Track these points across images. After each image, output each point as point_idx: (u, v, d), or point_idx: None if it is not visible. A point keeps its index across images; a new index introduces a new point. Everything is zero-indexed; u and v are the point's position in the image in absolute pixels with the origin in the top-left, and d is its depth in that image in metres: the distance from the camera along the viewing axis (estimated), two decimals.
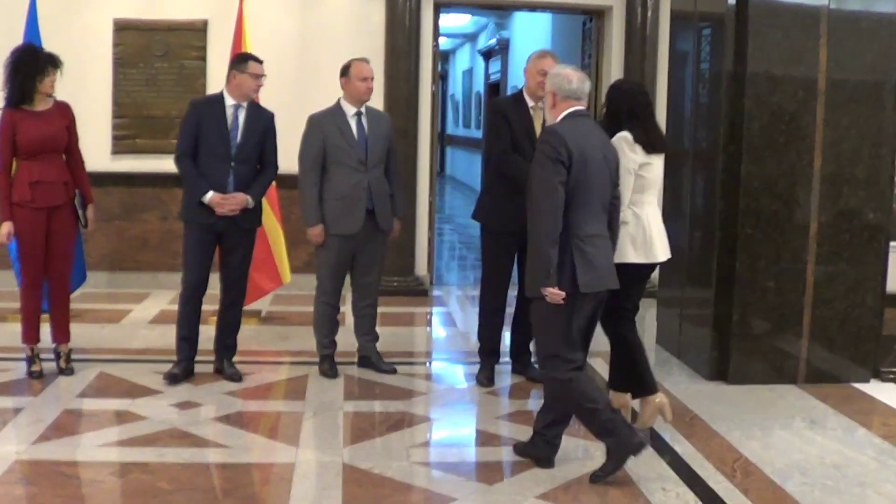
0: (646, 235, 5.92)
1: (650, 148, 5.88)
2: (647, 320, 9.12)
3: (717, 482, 5.25)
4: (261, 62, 7.00)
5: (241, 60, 6.98)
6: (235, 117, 6.88)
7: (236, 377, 7.03)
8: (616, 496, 5.11)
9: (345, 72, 7.08)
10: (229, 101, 6.89)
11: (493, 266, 7.14)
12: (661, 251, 6.03)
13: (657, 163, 5.98)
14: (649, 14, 10.33)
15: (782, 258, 7.02)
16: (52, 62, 6.79)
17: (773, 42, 6.95)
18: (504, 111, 7.00)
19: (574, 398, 5.33)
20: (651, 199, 6.01)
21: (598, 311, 5.48)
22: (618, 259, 5.63)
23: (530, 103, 6.94)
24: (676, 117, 8.19)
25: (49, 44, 7.46)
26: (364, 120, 7.04)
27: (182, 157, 6.86)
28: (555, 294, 5.12)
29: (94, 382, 6.91)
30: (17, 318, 7.24)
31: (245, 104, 6.92)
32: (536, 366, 6.46)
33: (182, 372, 7.02)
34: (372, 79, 7.08)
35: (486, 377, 7.13)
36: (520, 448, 5.63)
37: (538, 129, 6.79)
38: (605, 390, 6.31)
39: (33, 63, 6.74)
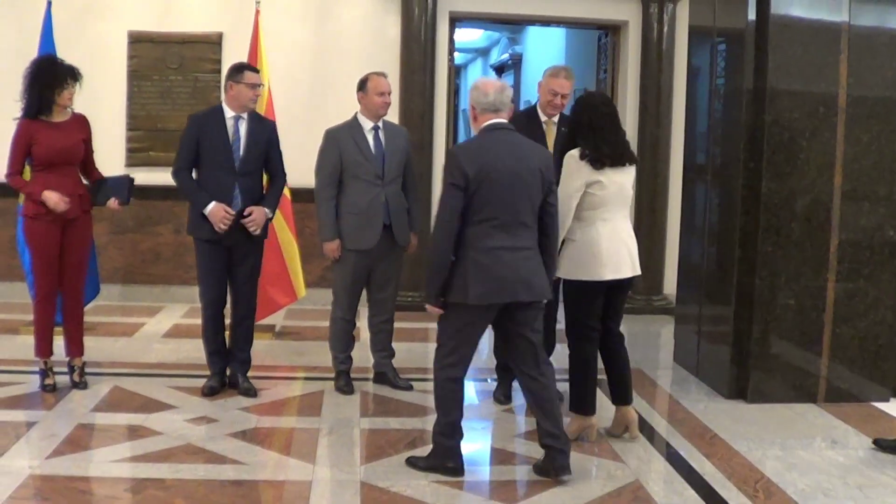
0: (593, 254, 5.91)
1: (599, 164, 5.84)
2: (664, 337, 9.09)
3: (740, 503, 5.19)
4: (257, 71, 6.95)
5: (236, 70, 6.89)
6: (237, 129, 6.83)
7: (251, 392, 6.98)
8: None
9: (362, 86, 7.03)
10: (229, 114, 6.85)
11: None
12: (610, 270, 5.95)
13: (617, 177, 5.93)
14: (665, 29, 10.30)
15: (802, 275, 6.96)
16: (72, 74, 6.76)
17: (794, 58, 6.90)
18: (517, 125, 6.97)
19: (440, 397, 5.57)
20: (606, 215, 5.95)
21: (518, 321, 5.46)
22: (564, 275, 5.94)
23: (543, 118, 6.94)
24: (692, 132, 8.16)
25: (63, 55, 7.40)
26: (381, 134, 7.00)
27: (179, 172, 6.85)
28: (433, 310, 5.42)
29: (107, 396, 6.87)
30: (31, 331, 7.21)
31: (245, 115, 6.86)
32: None
33: (219, 384, 7.04)
34: (389, 93, 7.04)
35: (503, 394, 7.08)
36: (538, 467, 5.59)
37: (551, 145, 6.80)
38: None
39: (52, 75, 6.71)
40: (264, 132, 6.94)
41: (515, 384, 7.05)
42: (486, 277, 5.27)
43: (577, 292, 6.02)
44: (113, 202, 6.88)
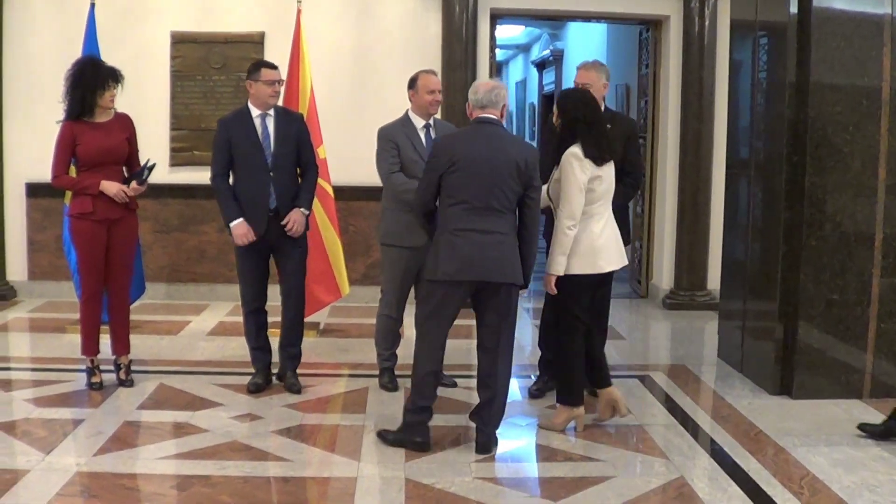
0: (592, 247, 6.12)
1: (600, 160, 6.05)
2: (708, 333, 9.04)
3: (785, 500, 5.16)
4: (275, 68, 6.96)
5: (253, 69, 6.93)
6: (264, 127, 6.87)
7: (295, 388, 7.03)
8: None
9: (412, 84, 7.01)
10: (255, 112, 6.88)
11: None
12: (607, 262, 6.21)
13: (607, 173, 6.15)
14: (707, 23, 10.23)
15: (847, 270, 6.91)
16: (114, 76, 6.82)
17: (836, 51, 6.85)
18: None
19: (418, 382, 5.92)
20: (601, 209, 6.18)
21: (498, 304, 5.81)
22: (568, 271, 6.08)
23: None
24: (735, 127, 8.11)
25: (107, 57, 7.49)
26: (433, 133, 6.97)
27: (216, 178, 6.91)
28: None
29: (153, 394, 6.93)
30: (76, 330, 7.30)
31: (272, 112, 6.90)
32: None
33: (263, 381, 7.10)
34: (439, 91, 7.01)
35: (536, 388, 7.16)
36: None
37: None
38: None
39: (94, 77, 6.77)
40: (292, 126, 6.97)
41: None
42: (456, 256, 5.67)
43: (573, 286, 6.15)
44: (133, 185, 6.91)
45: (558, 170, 6.10)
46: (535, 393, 7.13)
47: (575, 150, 6.02)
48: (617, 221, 6.64)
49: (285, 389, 7.03)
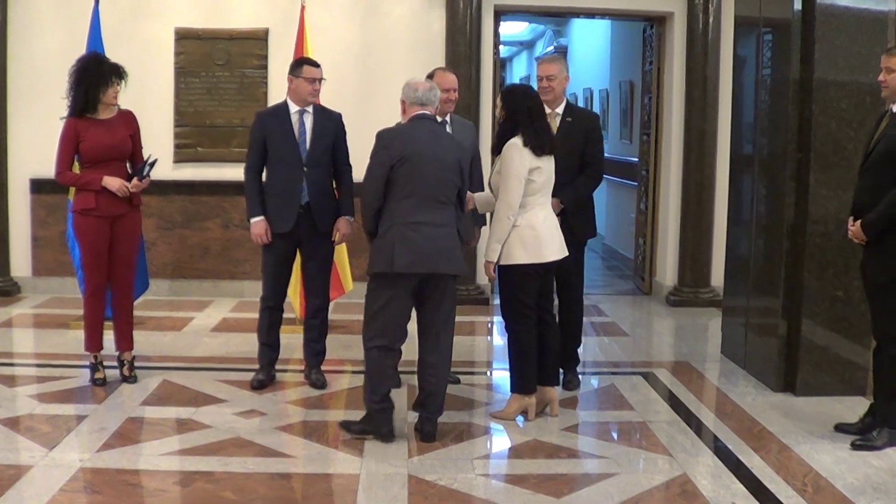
0: (536, 237, 6.21)
1: (540, 151, 6.18)
2: (712, 329, 9.04)
3: (788, 497, 5.15)
4: (317, 66, 6.97)
5: (296, 65, 7.00)
6: (301, 123, 6.89)
7: (319, 383, 7.09)
8: None
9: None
10: (293, 108, 6.91)
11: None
12: (551, 251, 6.30)
13: (547, 165, 6.25)
14: (711, 20, 10.21)
15: (851, 267, 6.88)
16: (117, 73, 6.82)
17: (840, 48, 6.84)
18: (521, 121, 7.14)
19: (372, 369, 5.96)
20: (542, 200, 6.29)
21: (436, 294, 5.97)
22: (507, 260, 6.21)
23: (548, 111, 6.98)
24: (738, 123, 8.10)
25: (111, 53, 7.50)
26: (448, 130, 6.95)
27: (248, 171, 6.97)
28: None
29: (157, 390, 6.94)
30: (80, 326, 7.30)
31: (310, 109, 6.91)
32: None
33: (266, 377, 7.11)
34: (454, 90, 7.02)
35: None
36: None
37: None
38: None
39: (98, 73, 6.77)
40: (331, 124, 7.00)
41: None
42: (411, 248, 5.77)
43: (519, 276, 6.26)
44: (135, 181, 6.90)
45: (500, 160, 6.22)
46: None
47: (516, 141, 6.14)
48: (582, 213, 7.01)
49: (310, 385, 7.06)
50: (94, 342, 7.03)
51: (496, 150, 6.31)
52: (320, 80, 6.97)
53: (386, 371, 5.97)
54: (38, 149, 9.73)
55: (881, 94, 6.06)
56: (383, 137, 5.92)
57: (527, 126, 6.16)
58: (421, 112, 6.00)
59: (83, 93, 6.76)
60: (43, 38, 9.99)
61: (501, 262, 6.22)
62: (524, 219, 6.17)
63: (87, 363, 7.09)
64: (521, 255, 6.19)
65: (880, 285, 5.95)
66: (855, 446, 5.95)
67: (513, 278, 6.28)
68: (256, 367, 7.13)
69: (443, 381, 6.09)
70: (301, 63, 6.99)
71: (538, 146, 6.15)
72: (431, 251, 5.81)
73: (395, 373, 6.15)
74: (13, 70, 10.04)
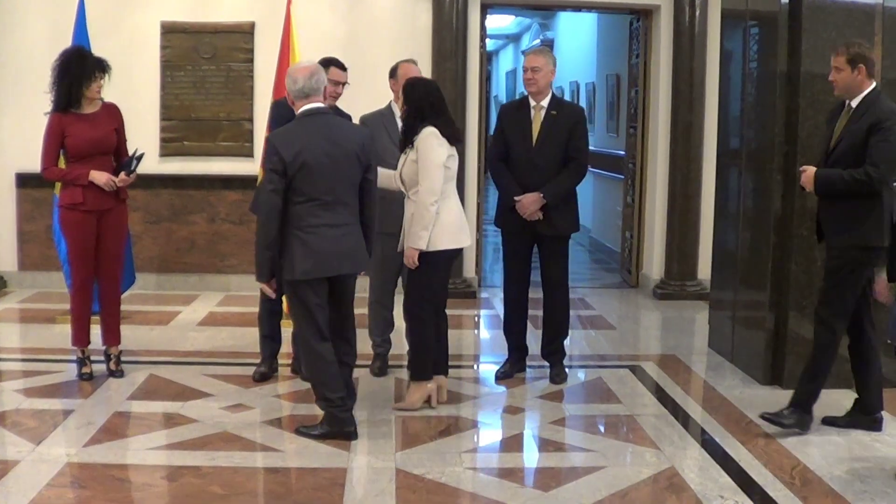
0: (454, 222, 6.36)
1: (453, 140, 6.31)
2: (699, 323, 9.05)
3: (776, 490, 5.16)
4: (344, 69, 6.95)
5: (323, 64, 6.91)
6: None
7: None
8: (673, 503, 5.04)
9: (393, 73, 7.09)
10: None
11: (507, 264, 7.43)
12: (465, 236, 6.50)
13: (456, 155, 6.38)
14: (697, 13, 10.21)
15: None
16: (100, 67, 6.79)
17: (827, 41, 6.82)
18: (501, 116, 7.40)
19: (318, 373, 5.88)
20: (453, 188, 6.43)
21: (343, 293, 5.97)
22: (432, 247, 6.22)
23: (532, 103, 7.10)
24: (725, 116, 8.11)
25: (97, 46, 7.48)
26: None
27: None
28: (266, 289, 5.89)
29: (143, 385, 6.92)
30: (67, 320, 7.28)
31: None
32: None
33: (269, 369, 7.12)
34: None
35: (503, 371, 7.37)
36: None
37: (536, 129, 7.07)
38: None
39: (81, 67, 6.74)
40: None
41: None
42: (311, 253, 5.67)
43: (437, 261, 6.33)
44: (122, 176, 6.88)
45: (413, 151, 6.24)
46: (501, 375, 7.28)
47: (433, 130, 6.19)
48: (565, 207, 7.06)
49: (301, 379, 6.98)
50: (81, 337, 7.01)
51: (404, 144, 6.31)
52: (344, 83, 6.96)
53: (330, 369, 5.85)
54: (23, 143, 9.69)
55: (834, 93, 6.13)
56: (272, 143, 5.74)
57: (436, 117, 6.22)
58: (308, 106, 5.80)
59: (66, 88, 6.73)
60: (28, 32, 9.94)
61: (427, 249, 6.22)
62: (443, 206, 6.26)
63: (74, 358, 7.06)
64: (443, 241, 6.27)
65: (829, 269, 6.11)
66: (764, 417, 6.10)
67: (429, 264, 6.28)
68: (244, 361, 7.13)
69: (350, 375, 6.11)
70: (328, 64, 6.90)
71: (451, 135, 6.26)
72: (333, 253, 5.74)
73: (337, 367, 5.93)
74: None
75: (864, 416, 6.19)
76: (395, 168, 6.75)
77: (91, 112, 6.83)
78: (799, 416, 6.07)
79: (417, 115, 6.25)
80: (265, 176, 5.79)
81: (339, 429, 5.84)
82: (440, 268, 6.41)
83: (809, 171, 6.03)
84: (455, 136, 6.33)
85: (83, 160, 6.77)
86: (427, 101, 6.26)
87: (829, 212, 6.10)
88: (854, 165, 5.85)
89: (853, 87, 5.98)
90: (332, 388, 5.84)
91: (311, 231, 5.67)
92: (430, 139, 6.17)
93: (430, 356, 6.48)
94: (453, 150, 6.30)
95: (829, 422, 6.22)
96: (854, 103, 5.99)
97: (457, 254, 6.54)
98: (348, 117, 7.05)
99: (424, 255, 6.24)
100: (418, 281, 6.38)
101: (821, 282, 6.33)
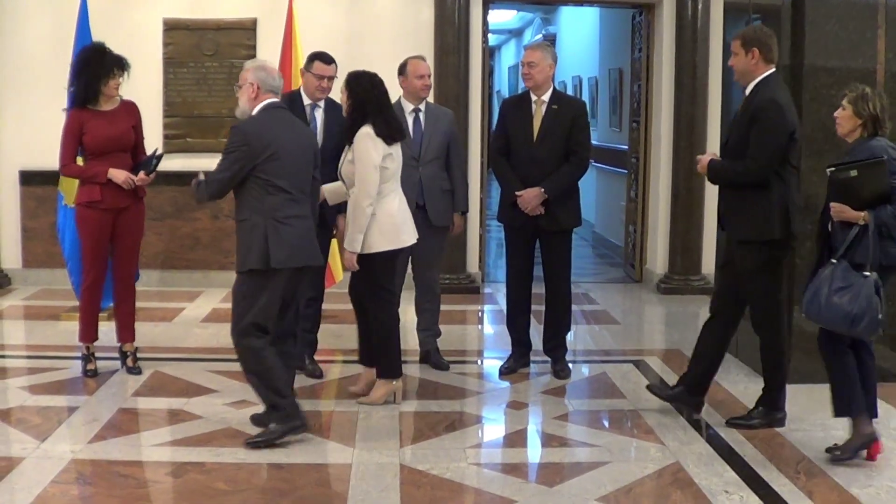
0: (393, 223, 6.31)
1: (391, 139, 6.23)
2: (702, 317, 8.97)
3: (781, 485, 5.16)
4: (329, 62, 6.94)
5: (308, 59, 7.00)
6: (313, 117, 6.92)
7: (318, 373, 7.15)
8: (678, 499, 5.04)
9: (402, 70, 7.11)
10: (306, 101, 6.94)
11: (509, 259, 7.39)
12: (408, 236, 6.44)
13: (397, 152, 6.34)
14: (700, 6, 10.20)
15: None
16: (119, 64, 6.80)
17: (830, 34, 6.83)
18: (503, 111, 7.42)
19: (256, 367, 5.72)
20: (395, 186, 6.37)
21: (298, 286, 5.93)
22: (367, 249, 6.21)
23: (534, 98, 7.10)
24: (728, 110, 8.09)
25: None
26: (422, 117, 7.11)
27: None
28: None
29: (148, 381, 6.93)
30: (71, 317, 7.32)
31: (321, 103, 6.92)
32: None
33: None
34: (429, 76, 7.16)
35: (507, 366, 7.36)
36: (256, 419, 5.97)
37: (537, 123, 7.05)
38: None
39: (99, 64, 6.75)
40: (340, 119, 6.87)
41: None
42: (286, 243, 5.62)
43: (379, 262, 6.30)
44: (141, 175, 6.89)
45: (350, 150, 6.22)
46: (504, 370, 7.28)
47: (368, 130, 6.15)
48: (567, 201, 7.02)
49: (305, 375, 7.03)
50: (89, 333, 7.02)
51: (348, 140, 6.26)
52: (330, 77, 6.95)
53: (276, 366, 5.73)
54: (27, 140, 9.74)
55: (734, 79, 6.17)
56: (241, 132, 5.65)
57: (376, 115, 6.18)
58: (273, 100, 5.79)
59: (84, 84, 6.76)
60: (31, 30, 9.95)
61: (363, 252, 6.22)
62: (380, 207, 6.23)
63: (79, 354, 7.07)
64: (381, 243, 6.25)
65: (743, 272, 6.11)
66: (730, 423, 6.11)
67: (374, 266, 6.28)
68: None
69: (293, 373, 6.11)
70: (313, 58, 6.94)
71: (389, 135, 6.20)
72: (305, 245, 5.74)
73: (282, 362, 5.85)
74: (2, 61, 9.98)
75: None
76: (405, 163, 6.79)
77: (109, 109, 6.84)
78: (767, 415, 6.10)
79: (360, 110, 6.21)
80: (224, 162, 5.65)
81: (290, 425, 5.70)
82: (384, 268, 6.37)
83: (704, 159, 6.13)
84: (393, 136, 6.26)
85: (101, 157, 6.78)
86: (371, 95, 6.21)
87: (726, 202, 6.17)
88: (743, 155, 5.90)
89: (747, 73, 6.00)
90: (283, 382, 5.76)
91: (285, 221, 5.63)
92: (365, 141, 6.13)
93: (393, 354, 6.49)
94: (392, 149, 6.24)
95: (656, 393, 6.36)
96: (748, 90, 6.00)
97: (398, 253, 6.45)
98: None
99: (364, 258, 6.23)
100: (367, 283, 6.39)
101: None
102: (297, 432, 5.72)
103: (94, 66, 6.75)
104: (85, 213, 6.85)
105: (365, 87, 6.24)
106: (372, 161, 6.10)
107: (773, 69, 5.99)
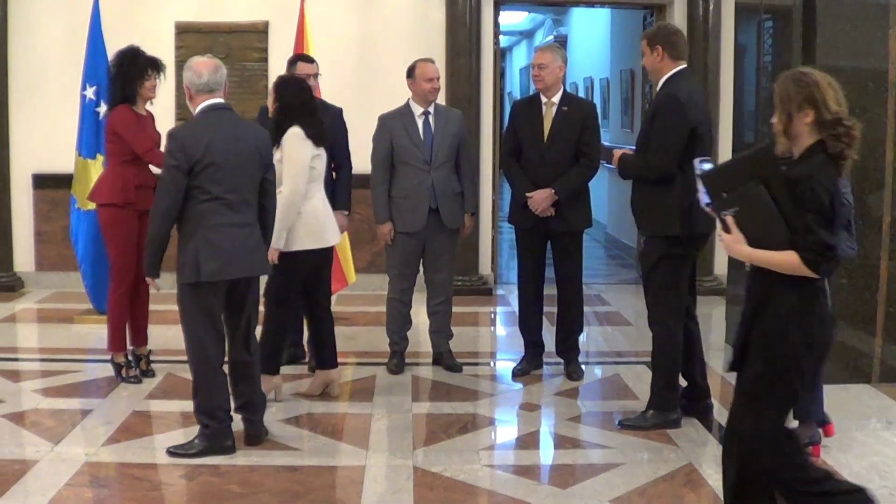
0: (318, 222, 6.35)
1: (318, 140, 6.28)
2: (716, 318, 9.02)
3: None
4: (311, 61, 7.00)
5: (290, 62, 7.08)
6: None
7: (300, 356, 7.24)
8: (691, 500, 5.06)
9: (410, 73, 7.12)
10: None
11: (521, 260, 7.37)
12: (331, 236, 6.49)
13: (323, 155, 6.39)
14: (711, 7, 10.20)
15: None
16: (154, 65, 6.85)
17: (841, 34, 6.81)
18: (513, 113, 7.40)
19: (203, 382, 5.56)
20: (319, 187, 6.42)
21: (245, 295, 5.67)
22: (291, 246, 6.20)
23: (544, 100, 7.10)
24: (740, 111, 8.10)
25: (111, 47, 7.52)
26: (431, 119, 7.10)
27: None
28: (151, 283, 5.77)
29: (161, 384, 6.95)
30: (84, 320, 7.33)
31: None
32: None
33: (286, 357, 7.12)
34: (437, 78, 7.16)
35: (520, 368, 7.35)
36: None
37: (548, 125, 7.04)
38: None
39: (133, 66, 6.78)
40: (329, 118, 6.94)
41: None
42: (217, 254, 5.41)
43: (299, 261, 6.29)
44: None
45: (279, 150, 6.20)
46: (517, 372, 7.28)
47: (297, 131, 6.19)
48: (577, 203, 7.03)
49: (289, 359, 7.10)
50: (122, 342, 7.01)
51: (274, 140, 6.19)
52: (314, 75, 6.97)
53: (220, 378, 5.60)
54: (40, 144, 9.77)
55: (648, 79, 6.24)
56: (177, 138, 5.41)
57: (303, 117, 6.22)
58: (211, 101, 5.55)
59: (120, 85, 6.83)
60: (43, 33, 9.96)
61: (287, 248, 6.21)
62: (307, 206, 6.26)
63: (116, 362, 7.00)
64: (306, 241, 6.27)
65: (646, 266, 6.19)
66: (623, 425, 6.10)
67: (291, 263, 6.24)
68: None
69: (258, 381, 5.86)
70: (295, 60, 7.04)
71: (316, 136, 6.24)
72: (240, 254, 5.50)
73: (225, 377, 5.70)
74: (14, 65, 10.00)
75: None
76: (415, 167, 6.79)
77: (144, 115, 6.90)
78: (660, 416, 6.10)
79: (286, 113, 6.24)
80: (165, 174, 5.42)
81: (217, 443, 5.54)
82: (301, 267, 6.34)
83: (617, 153, 6.24)
84: (321, 137, 6.29)
85: (129, 161, 6.78)
86: (298, 99, 6.26)
87: (634, 197, 6.20)
88: (647, 150, 5.98)
89: (655, 70, 6.03)
90: (221, 399, 5.59)
91: (216, 230, 5.41)
92: (295, 140, 6.16)
93: (279, 349, 6.56)
94: (319, 151, 6.29)
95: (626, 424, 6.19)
96: (658, 87, 6.04)
97: (323, 252, 6.46)
98: (339, 111, 7.22)
99: (285, 254, 6.21)
100: (278, 279, 6.35)
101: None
102: (225, 453, 5.54)
103: (128, 68, 6.79)
104: (117, 214, 6.81)
105: (293, 91, 6.31)
106: (302, 159, 6.17)
107: (683, 65, 6.01)
